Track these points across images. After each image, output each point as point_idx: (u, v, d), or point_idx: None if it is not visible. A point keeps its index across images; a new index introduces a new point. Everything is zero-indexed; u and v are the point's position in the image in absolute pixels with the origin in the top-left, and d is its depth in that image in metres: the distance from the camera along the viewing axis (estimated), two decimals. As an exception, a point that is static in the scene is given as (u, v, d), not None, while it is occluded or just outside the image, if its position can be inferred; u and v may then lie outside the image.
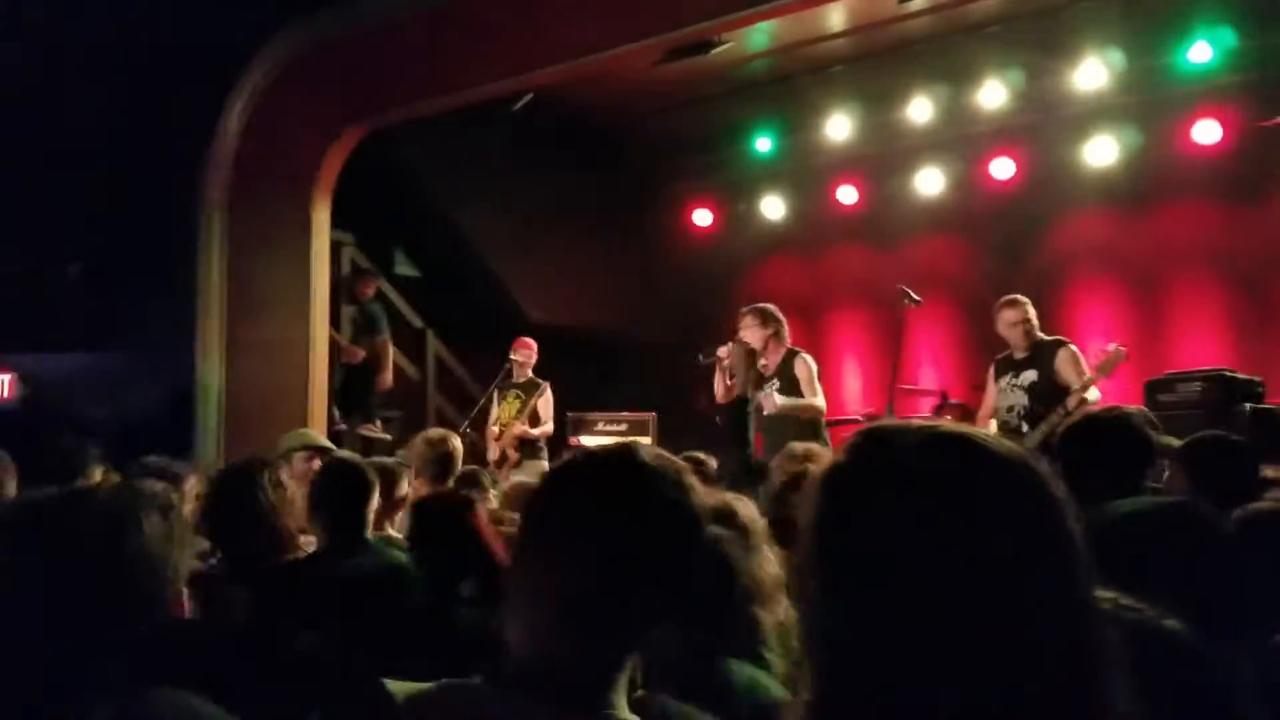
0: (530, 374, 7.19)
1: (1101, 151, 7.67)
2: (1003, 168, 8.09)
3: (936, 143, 8.38)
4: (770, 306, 6.16)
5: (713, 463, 4.50)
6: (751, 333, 6.02)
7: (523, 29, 6.12)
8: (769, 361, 6.03)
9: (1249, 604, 1.67)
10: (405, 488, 3.94)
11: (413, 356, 8.73)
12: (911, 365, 8.15)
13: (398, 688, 1.55)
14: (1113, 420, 3.10)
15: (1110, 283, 7.84)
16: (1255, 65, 7.12)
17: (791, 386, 5.91)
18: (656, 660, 1.38)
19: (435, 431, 4.69)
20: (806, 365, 5.99)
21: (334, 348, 7.50)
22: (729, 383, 6.00)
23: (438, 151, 8.46)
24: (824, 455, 3.64)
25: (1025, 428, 5.51)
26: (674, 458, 1.36)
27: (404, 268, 9.42)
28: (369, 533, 3.17)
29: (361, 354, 7.86)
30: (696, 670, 1.75)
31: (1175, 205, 7.57)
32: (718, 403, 6.15)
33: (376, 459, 4.35)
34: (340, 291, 7.90)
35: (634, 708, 1.27)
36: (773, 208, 9.30)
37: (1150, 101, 7.56)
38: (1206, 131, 7.24)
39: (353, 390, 7.85)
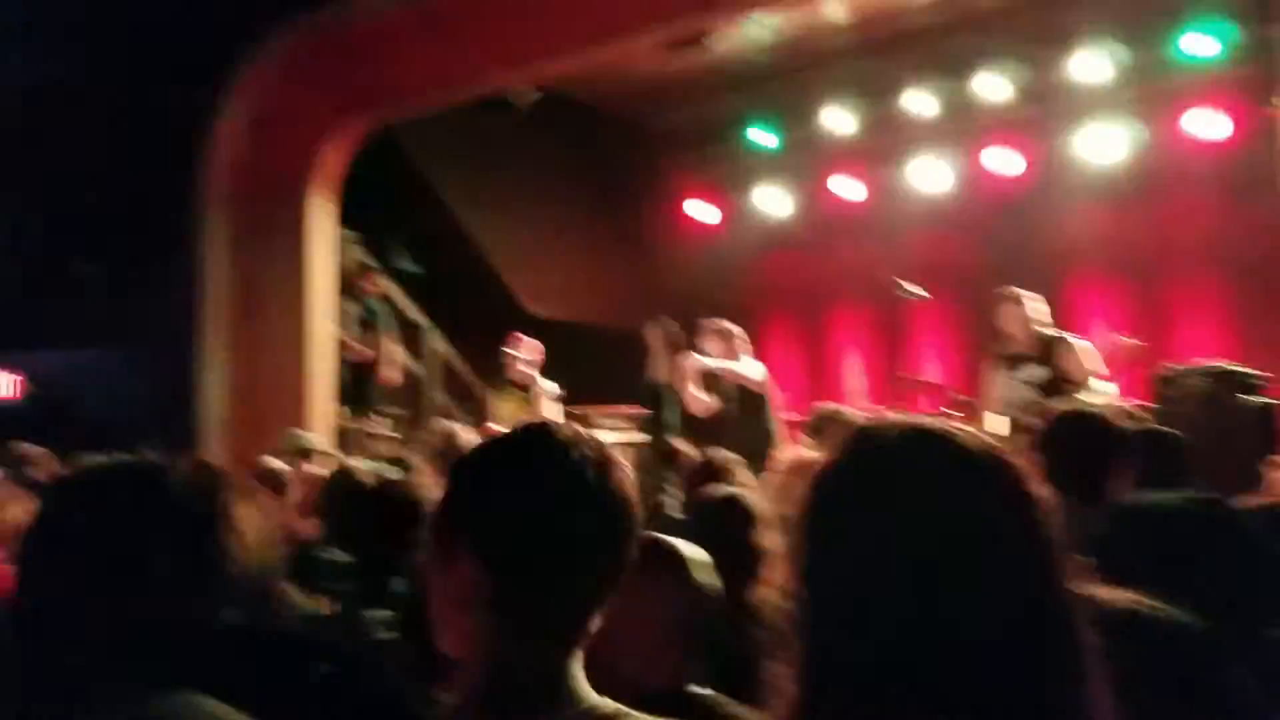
0: (527, 370, 7.18)
1: (1103, 143, 7.67)
2: (1003, 159, 8.08)
3: (938, 136, 8.37)
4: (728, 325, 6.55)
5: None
6: (711, 344, 6.41)
7: (518, 22, 6.10)
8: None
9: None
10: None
11: (415, 353, 8.72)
12: (914, 358, 8.16)
13: None
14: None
15: (1112, 275, 7.84)
16: (1256, 55, 7.11)
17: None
18: None
19: (444, 425, 4.75)
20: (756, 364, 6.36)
21: (340, 345, 7.50)
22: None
23: (440, 148, 8.46)
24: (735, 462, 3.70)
25: (1032, 422, 5.51)
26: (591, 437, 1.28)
27: (406, 264, 9.41)
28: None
29: (365, 351, 7.86)
30: None
31: (1177, 196, 7.56)
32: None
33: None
34: (342, 288, 7.89)
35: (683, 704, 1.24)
36: (773, 201, 9.30)
37: (1152, 92, 7.55)
38: (1208, 122, 7.23)
39: (355, 387, 7.84)
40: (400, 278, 8.93)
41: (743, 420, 6.12)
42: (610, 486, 1.21)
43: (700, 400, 6.40)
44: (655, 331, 6.18)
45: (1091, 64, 7.53)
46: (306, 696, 1.76)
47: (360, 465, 3.61)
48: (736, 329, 6.52)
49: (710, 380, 6.42)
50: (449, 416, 8.43)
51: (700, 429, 6.16)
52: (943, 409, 7.06)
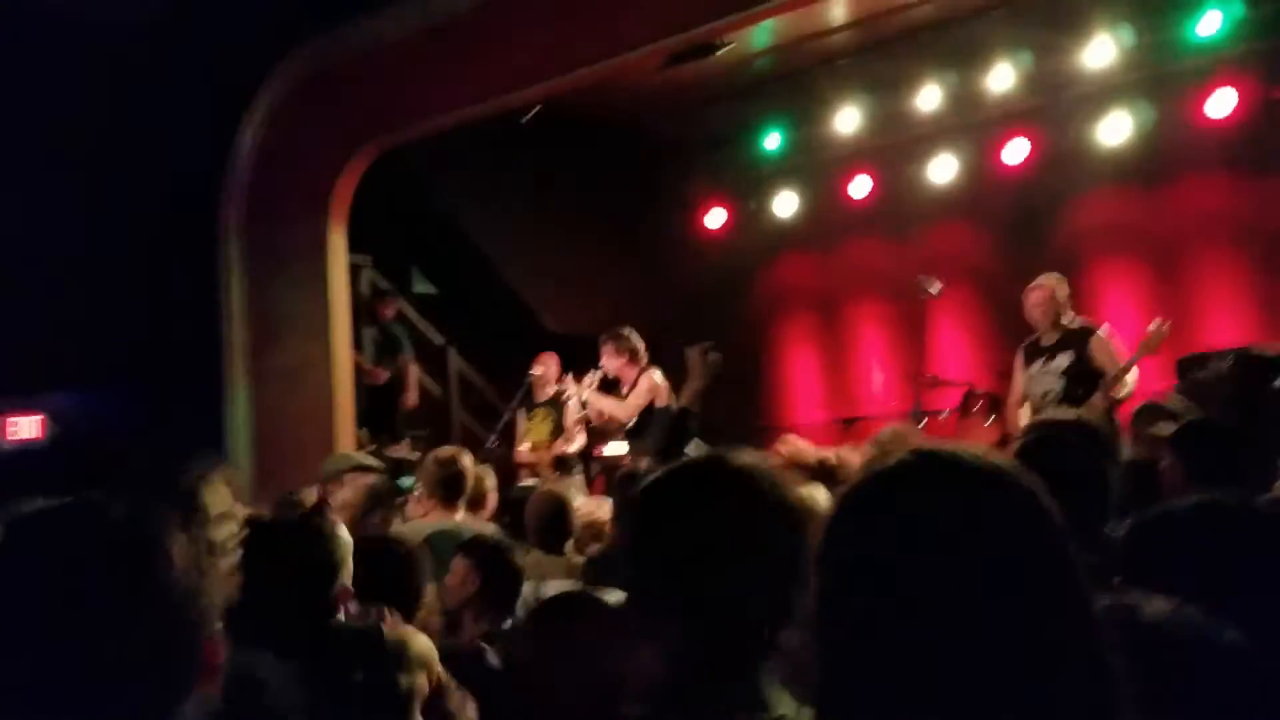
0: (555, 387, 7.18)
1: (1115, 129, 7.61)
2: (1016, 150, 8.02)
3: (948, 129, 8.32)
4: (626, 330, 6.45)
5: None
6: (609, 359, 6.32)
7: (528, 41, 6.13)
8: (624, 382, 6.33)
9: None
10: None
11: (435, 374, 8.75)
12: (935, 356, 8.12)
13: None
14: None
15: (1132, 261, 7.77)
16: (1267, 33, 7.05)
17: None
18: None
19: (445, 450, 4.65)
20: (651, 380, 6.24)
21: (357, 370, 7.53)
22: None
23: (449, 168, 8.49)
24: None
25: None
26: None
27: (422, 286, 9.45)
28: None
29: (385, 375, 7.89)
30: None
31: (1193, 179, 7.50)
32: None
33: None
34: (360, 313, 7.93)
35: None
36: (785, 204, 9.27)
37: (1162, 76, 7.49)
38: (1221, 103, 7.17)
39: (378, 411, 7.88)
40: (416, 300, 8.97)
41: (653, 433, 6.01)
42: (790, 506, 1.32)
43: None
44: (694, 355, 6.05)
45: (1100, 50, 7.48)
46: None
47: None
48: (635, 339, 6.39)
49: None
50: (472, 435, 8.46)
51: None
52: (963, 404, 7.03)
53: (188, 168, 7.08)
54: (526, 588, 3.25)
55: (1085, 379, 5.47)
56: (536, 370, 7.23)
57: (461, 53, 6.19)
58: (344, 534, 2.44)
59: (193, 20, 6.81)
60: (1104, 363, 5.47)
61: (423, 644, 2.46)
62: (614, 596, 1.88)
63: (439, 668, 2.44)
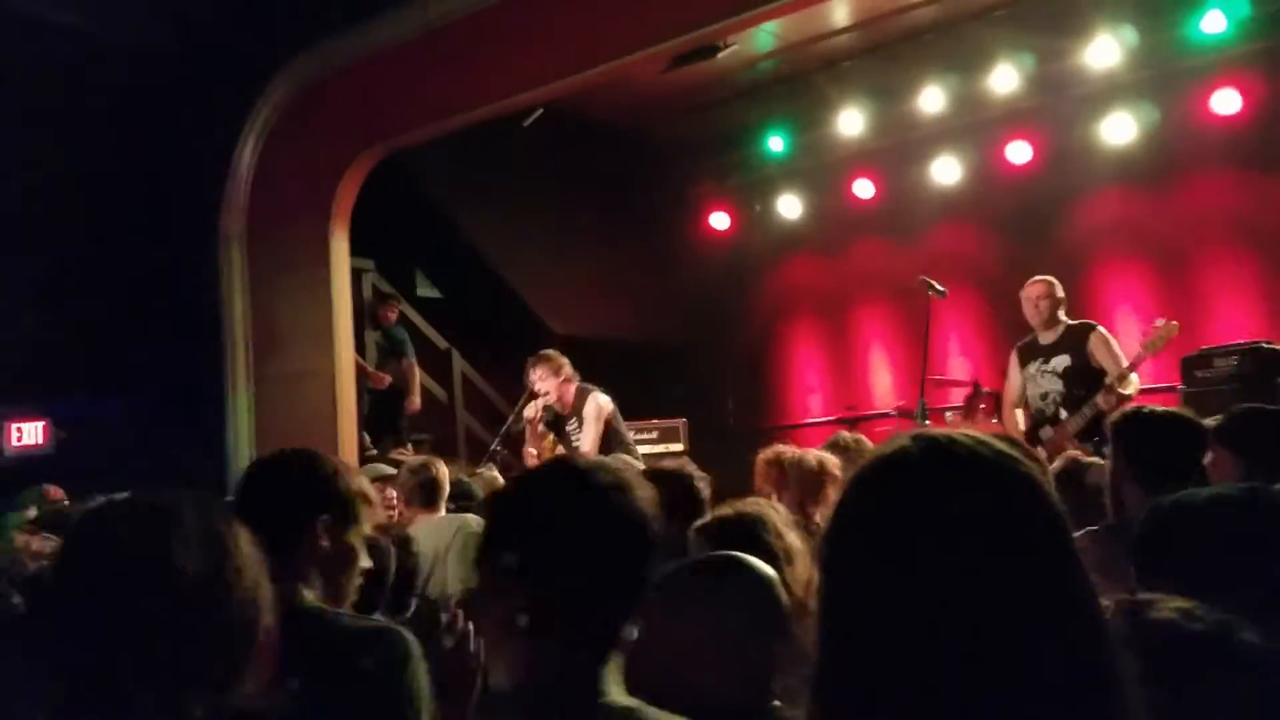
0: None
1: (1119, 129, 7.59)
2: (1020, 151, 8.01)
3: (951, 131, 8.31)
4: (552, 352, 6.19)
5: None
6: (545, 382, 6.06)
7: (530, 45, 6.12)
8: (561, 401, 6.10)
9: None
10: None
11: (439, 378, 8.74)
12: (940, 356, 8.09)
13: None
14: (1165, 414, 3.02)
15: (1137, 260, 7.75)
16: (1271, 31, 7.03)
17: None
18: None
19: (416, 459, 4.73)
20: (596, 404, 6.01)
21: (360, 375, 7.52)
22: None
23: (451, 172, 8.48)
24: None
25: (1064, 414, 5.39)
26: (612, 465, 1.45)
27: (425, 290, 9.44)
28: None
29: (388, 379, 7.89)
30: None
31: (1198, 178, 7.47)
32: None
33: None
34: (363, 318, 7.92)
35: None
36: (789, 206, 9.27)
37: (1166, 75, 7.47)
38: (1225, 101, 7.15)
39: (382, 415, 7.87)
40: (420, 303, 8.97)
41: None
42: (629, 509, 1.36)
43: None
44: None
45: (1102, 50, 7.46)
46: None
47: None
48: (562, 360, 6.15)
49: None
50: (476, 439, 8.45)
51: None
52: (968, 403, 7.00)
53: (190, 173, 7.09)
54: None
55: (1085, 379, 5.34)
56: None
57: (462, 57, 6.19)
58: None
59: (194, 28, 6.81)
60: (1105, 362, 5.33)
61: None
62: None
63: None
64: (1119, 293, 7.72)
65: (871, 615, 0.97)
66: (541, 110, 7.52)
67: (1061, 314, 5.60)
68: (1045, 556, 0.97)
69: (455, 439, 8.55)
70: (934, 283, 6.20)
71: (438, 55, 6.25)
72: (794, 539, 2.31)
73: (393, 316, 8.17)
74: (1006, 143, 8.04)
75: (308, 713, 1.65)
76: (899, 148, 8.56)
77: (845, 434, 4.87)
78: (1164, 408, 3.18)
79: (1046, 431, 5.42)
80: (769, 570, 1.84)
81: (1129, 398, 5.19)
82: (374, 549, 2.94)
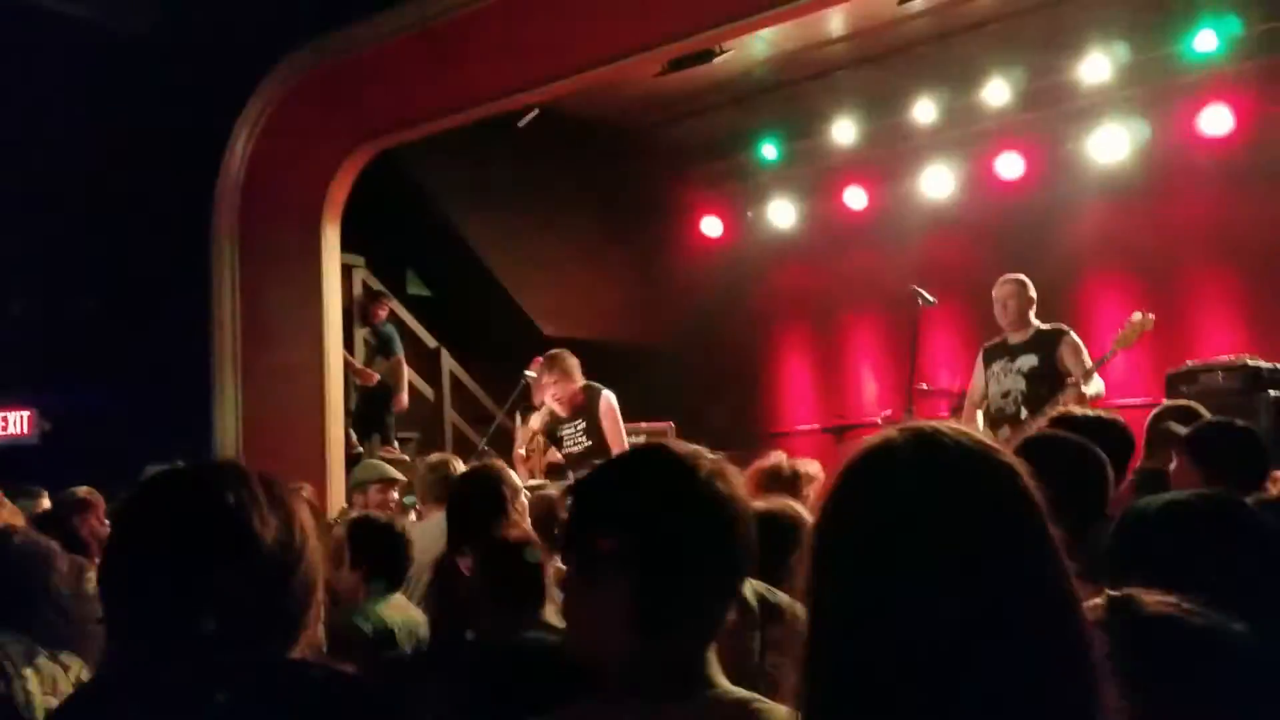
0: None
1: (1109, 144, 7.63)
2: (1010, 165, 8.05)
3: (943, 143, 8.35)
4: (564, 354, 6.10)
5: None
6: (557, 386, 5.97)
7: (526, 44, 6.13)
8: (565, 403, 6.01)
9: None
10: None
11: (428, 377, 8.73)
12: (928, 365, 8.11)
13: None
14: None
15: (1125, 275, 7.78)
16: (1262, 50, 7.08)
17: (596, 423, 5.91)
18: None
19: (435, 456, 4.71)
20: (608, 402, 5.94)
21: (349, 371, 7.50)
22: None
23: (445, 170, 8.48)
24: None
25: (1024, 414, 5.32)
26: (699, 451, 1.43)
27: (416, 288, 9.43)
28: None
29: (376, 377, 7.88)
30: None
31: (1187, 195, 7.52)
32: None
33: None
34: (353, 315, 7.91)
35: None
36: (781, 214, 9.29)
37: (1157, 91, 7.52)
38: (1215, 119, 7.19)
39: (369, 413, 7.86)
40: (410, 301, 8.95)
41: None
42: (732, 495, 1.36)
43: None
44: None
45: (1094, 65, 7.51)
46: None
47: None
48: (573, 362, 6.08)
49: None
50: (464, 439, 8.44)
51: None
52: (954, 413, 7.01)
53: (182, 167, 7.07)
54: None
55: (1049, 379, 5.28)
56: (532, 373, 7.20)
57: (456, 56, 6.19)
58: None
59: (187, 23, 6.81)
60: (1073, 366, 5.27)
61: None
62: None
63: None
64: (1107, 307, 7.76)
65: (858, 601, 0.99)
66: (536, 110, 7.52)
67: (1032, 316, 5.54)
68: (1026, 545, 0.99)
69: (443, 438, 8.54)
70: (924, 292, 6.20)
71: (432, 53, 6.25)
72: None
73: (382, 314, 8.16)
74: (998, 156, 8.07)
75: None
76: (891, 158, 8.60)
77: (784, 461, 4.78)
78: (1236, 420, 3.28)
79: (1005, 431, 5.30)
80: None
81: (1094, 399, 5.14)
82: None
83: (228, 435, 6.89)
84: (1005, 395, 5.44)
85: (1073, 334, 5.44)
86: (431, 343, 8.86)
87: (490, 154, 8.15)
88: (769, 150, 9.15)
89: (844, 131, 8.64)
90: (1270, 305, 7.15)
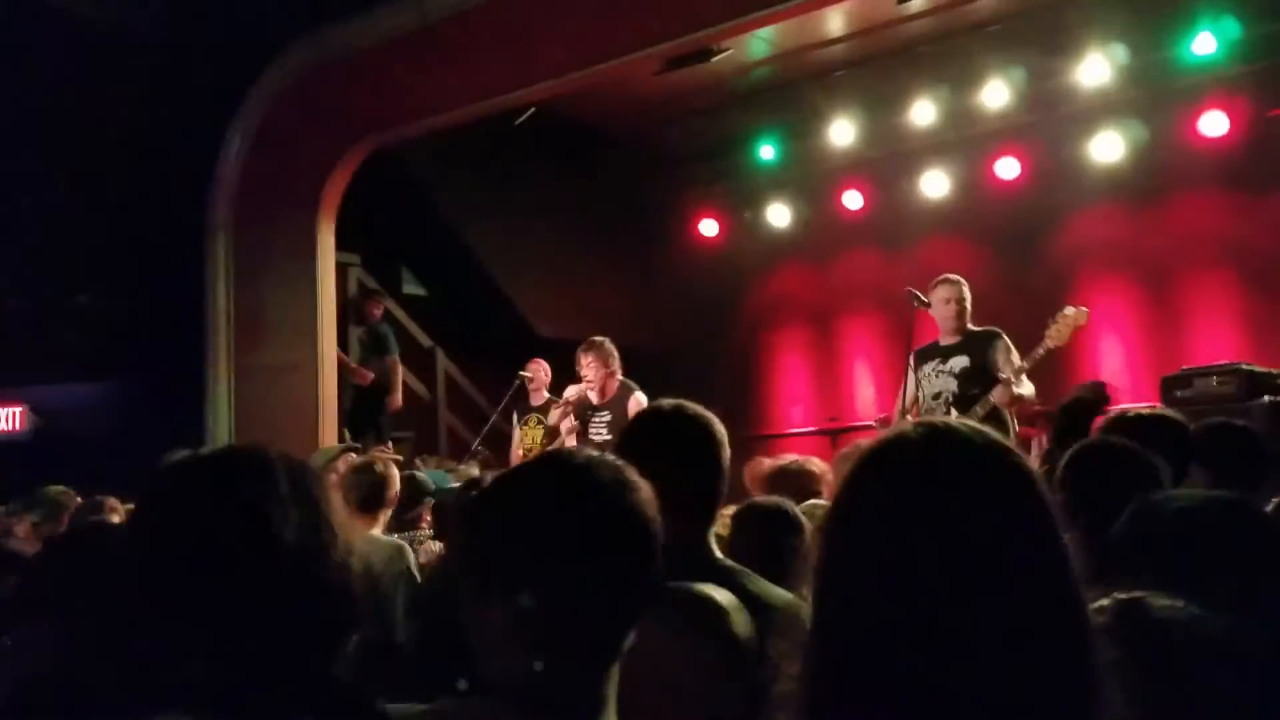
0: (546, 394, 7.14)
1: (1108, 147, 7.62)
2: (1008, 167, 8.04)
3: (941, 144, 8.34)
4: (604, 340, 6.20)
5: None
6: (591, 369, 6.08)
7: (523, 43, 6.11)
8: (602, 395, 6.12)
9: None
10: None
11: (423, 376, 8.70)
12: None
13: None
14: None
15: (1122, 279, 7.78)
16: (1261, 55, 7.07)
17: (622, 420, 5.93)
18: None
19: (362, 459, 4.55)
20: (639, 403, 5.95)
21: (343, 370, 7.47)
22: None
23: (442, 169, 8.45)
24: None
25: (954, 414, 5.19)
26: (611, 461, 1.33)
27: (411, 287, 9.40)
28: None
29: (371, 375, 7.84)
30: None
31: (1185, 198, 7.51)
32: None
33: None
34: (348, 313, 7.88)
35: None
36: (779, 215, 9.27)
37: (1155, 95, 7.51)
38: (1214, 123, 7.19)
39: (363, 412, 7.83)
40: (406, 301, 8.92)
41: None
42: (630, 508, 1.25)
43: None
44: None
45: (1094, 68, 7.50)
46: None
47: None
48: (613, 351, 6.18)
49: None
50: (458, 439, 8.42)
51: None
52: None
53: (178, 164, 7.05)
54: None
55: (980, 379, 5.21)
56: (527, 374, 7.18)
57: (453, 54, 6.18)
58: None
59: (185, 19, 6.78)
60: (1003, 364, 5.18)
61: None
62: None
63: None
64: (1103, 310, 7.75)
65: (868, 595, 0.99)
66: (534, 109, 7.50)
67: (967, 319, 5.47)
68: (1034, 544, 0.99)
69: (437, 438, 8.51)
70: (920, 294, 6.15)
71: (431, 51, 6.24)
72: None
73: (377, 312, 8.13)
74: (996, 158, 8.06)
75: None
76: (889, 160, 8.58)
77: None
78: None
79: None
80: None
81: (1025, 399, 5.08)
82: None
83: (221, 433, 6.87)
84: (936, 396, 5.37)
85: (1004, 336, 5.35)
86: (426, 342, 8.83)
87: (487, 154, 8.12)
88: (767, 151, 9.13)
89: (842, 133, 8.62)
90: (1267, 310, 7.15)
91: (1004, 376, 5.12)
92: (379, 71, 6.51)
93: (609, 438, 5.93)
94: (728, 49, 7.03)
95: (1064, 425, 3.84)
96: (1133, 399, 7.03)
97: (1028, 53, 7.73)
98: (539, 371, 7.18)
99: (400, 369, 8.09)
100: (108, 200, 7.11)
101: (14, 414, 7.26)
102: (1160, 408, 3.35)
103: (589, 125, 8.58)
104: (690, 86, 7.92)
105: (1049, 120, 7.87)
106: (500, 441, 7.26)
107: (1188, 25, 7.16)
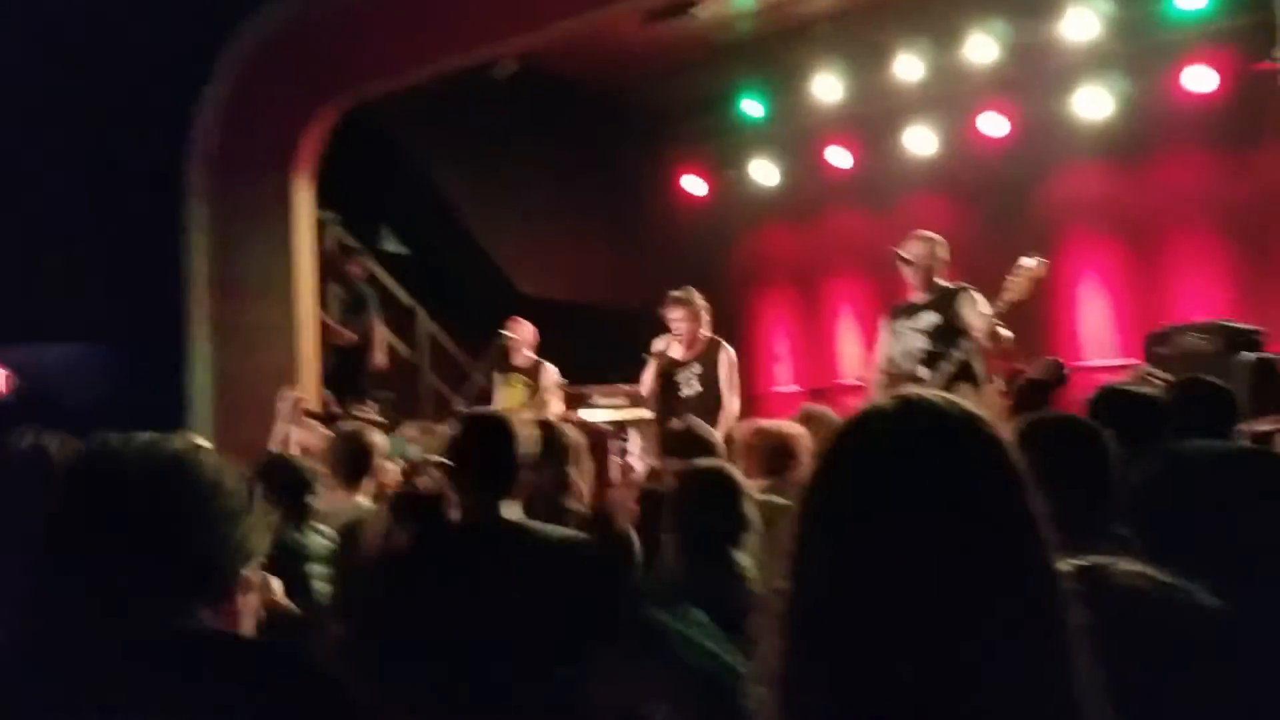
0: (528, 353, 7.10)
1: (1093, 102, 7.57)
2: (994, 123, 7.99)
3: (927, 100, 8.27)
4: (693, 293, 6.15)
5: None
6: (682, 324, 6.04)
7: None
8: (690, 348, 6.08)
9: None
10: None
11: (404, 335, 8.64)
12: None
13: None
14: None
15: (1106, 235, 7.77)
16: (1248, 8, 7.00)
17: (713, 373, 6.00)
18: None
19: (349, 426, 4.51)
20: (730, 357, 6.01)
21: (323, 329, 7.42)
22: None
23: (423, 125, 8.35)
24: None
25: (922, 371, 5.22)
26: None
27: (392, 245, 9.32)
28: None
29: (351, 335, 7.79)
30: None
31: (1170, 154, 7.48)
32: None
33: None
34: (327, 272, 7.80)
35: None
36: (764, 172, 9.21)
37: (1142, 49, 7.45)
38: (1200, 78, 7.14)
39: (344, 372, 7.77)
40: (386, 259, 8.85)
41: None
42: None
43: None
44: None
45: (1080, 22, 7.43)
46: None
47: None
48: (703, 304, 6.13)
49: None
50: (441, 399, 8.39)
51: None
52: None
53: (152, 122, 6.94)
54: None
55: (949, 336, 5.17)
56: (510, 334, 7.14)
57: (431, 6, 6.07)
58: None
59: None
60: (973, 320, 5.10)
61: None
62: None
63: None
64: (1087, 266, 7.75)
65: (841, 564, 0.99)
66: (514, 65, 7.40)
67: (935, 275, 5.40)
68: (1009, 515, 0.99)
69: (419, 398, 8.48)
70: (904, 253, 6.12)
71: (406, 4, 6.13)
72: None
73: (357, 271, 8.05)
74: (982, 114, 8.01)
75: None
76: (875, 116, 8.51)
77: (813, 406, 4.81)
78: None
79: (907, 388, 5.19)
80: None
81: (1004, 337, 4.95)
82: None
83: (202, 393, 6.83)
84: (907, 354, 5.34)
85: (971, 291, 5.26)
86: (407, 301, 8.76)
87: (468, 110, 8.02)
88: (752, 107, 9.04)
89: (828, 88, 8.54)
90: (1251, 266, 7.15)
91: (975, 334, 5.06)
92: (353, 26, 6.40)
93: (701, 390, 5.96)
94: (709, 1, 6.93)
95: (1021, 406, 3.84)
96: (1116, 355, 7.07)
97: (1013, 6, 7.65)
98: (521, 331, 7.15)
99: (381, 329, 8.03)
100: (84, 161, 7.01)
101: (-4, 376, 7.20)
102: (1146, 368, 3.32)
103: (571, 81, 8.48)
104: (673, 41, 7.83)
105: (1034, 75, 7.81)
106: (483, 402, 7.24)
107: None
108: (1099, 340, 7.67)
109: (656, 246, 9.42)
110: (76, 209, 7.08)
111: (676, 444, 3.96)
